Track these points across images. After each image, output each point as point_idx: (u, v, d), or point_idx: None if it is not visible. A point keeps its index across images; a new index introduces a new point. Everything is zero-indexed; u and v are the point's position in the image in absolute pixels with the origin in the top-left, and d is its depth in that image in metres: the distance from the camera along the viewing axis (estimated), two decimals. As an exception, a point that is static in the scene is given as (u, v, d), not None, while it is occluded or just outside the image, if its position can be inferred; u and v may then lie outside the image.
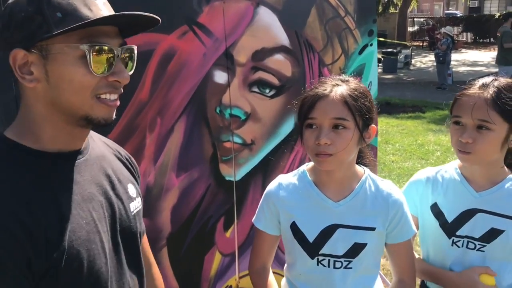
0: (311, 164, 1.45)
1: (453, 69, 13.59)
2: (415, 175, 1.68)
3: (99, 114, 0.94)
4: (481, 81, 1.46)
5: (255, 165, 2.24)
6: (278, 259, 2.03)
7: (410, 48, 19.33)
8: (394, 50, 16.61)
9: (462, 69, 16.06)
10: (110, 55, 0.92)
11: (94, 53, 0.89)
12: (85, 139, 1.03)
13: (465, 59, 19.03)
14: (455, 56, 15.47)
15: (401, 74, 15.40)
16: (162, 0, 1.82)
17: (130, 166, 1.22)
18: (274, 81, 2.19)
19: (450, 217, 1.53)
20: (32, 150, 0.93)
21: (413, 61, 18.46)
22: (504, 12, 16.31)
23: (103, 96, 0.94)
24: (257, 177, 2.27)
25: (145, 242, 1.32)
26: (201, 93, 1.98)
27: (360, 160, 1.46)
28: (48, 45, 0.88)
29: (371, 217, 1.36)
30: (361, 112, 1.29)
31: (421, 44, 25.99)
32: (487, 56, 19.52)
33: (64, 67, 0.89)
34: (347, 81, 1.35)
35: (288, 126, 2.29)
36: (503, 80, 1.44)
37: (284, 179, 1.48)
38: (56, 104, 0.92)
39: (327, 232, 1.36)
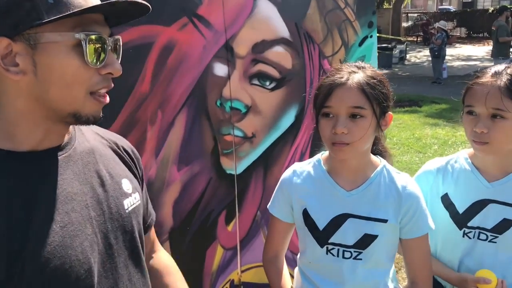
0: (326, 152, 1.44)
1: (448, 64, 13.63)
2: (424, 165, 1.65)
3: (89, 111, 0.88)
4: (493, 69, 1.42)
5: (256, 158, 2.23)
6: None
7: (405, 44, 19.35)
8: (389, 46, 16.63)
9: (456, 63, 16.11)
10: (103, 46, 0.87)
11: (90, 43, 0.83)
12: (64, 135, 0.95)
13: (460, 53, 19.08)
14: (449, 51, 15.50)
15: (396, 69, 15.42)
16: (162, -9, 1.80)
17: (128, 159, 1.14)
18: (275, 73, 2.17)
19: (461, 208, 1.50)
20: (3, 151, 0.84)
21: (408, 56, 18.49)
22: (498, 6, 16.36)
23: (97, 92, 0.89)
24: (258, 170, 2.26)
25: (153, 235, 1.29)
26: (201, 86, 1.97)
27: (374, 148, 1.44)
28: (37, 33, 0.80)
29: (383, 208, 1.34)
30: (378, 100, 1.26)
31: (415, 39, 26.03)
32: (481, 50, 19.59)
33: (56, 58, 0.82)
34: (363, 67, 1.32)
35: (288, 119, 2.27)
36: None
37: (298, 167, 1.47)
38: (42, 99, 0.85)
39: (338, 221, 1.35)
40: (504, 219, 1.45)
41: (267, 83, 2.16)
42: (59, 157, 0.90)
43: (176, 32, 1.86)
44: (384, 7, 25.02)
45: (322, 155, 1.46)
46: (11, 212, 0.80)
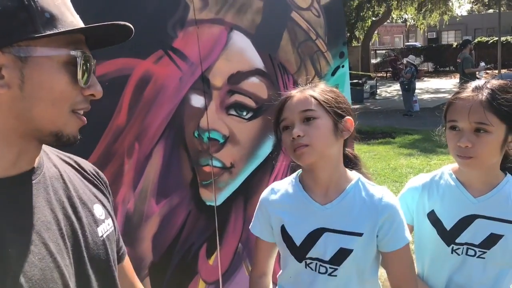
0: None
1: (418, 97, 14.01)
2: (408, 183, 1.64)
3: (70, 131, 0.85)
4: (473, 84, 1.44)
5: (235, 189, 2.22)
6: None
7: (375, 79, 19.89)
8: (359, 81, 17.05)
9: (426, 96, 16.58)
10: (90, 67, 0.85)
11: (83, 61, 0.82)
12: (35, 158, 0.88)
13: (428, 87, 19.68)
14: (418, 85, 15.97)
15: (368, 104, 15.77)
16: (137, 24, 1.81)
17: (98, 182, 1.07)
18: (251, 103, 2.20)
19: (448, 224, 1.48)
20: None
21: (378, 91, 18.96)
22: (461, 41, 17.11)
23: (78, 111, 0.86)
24: (238, 201, 2.25)
25: (127, 265, 1.20)
26: (178, 117, 1.97)
27: (348, 164, 1.46)
28: (29, 46, 0.77)
29: (359, 222, 1.34)
30: (328, 102, 1.32)
31: (385, 75, 26.78)
32: (449, 83, 20.25)
33: (47, 73, 0.79)
34: (315, 85, 1.41)
35: (267, 148, 2.29)
36: (495, 82, 1.42)
37: (276, 185, 1.49)
38: (23, 116, 0.79)
39: (314, 236, 1.35)
40: (492, 233, 1.44)
41: (244, 113, 2.18)
42: (30, 184, 0.85)
43: (152, 64, 1.88)
44: (353, 45, 25.80)
45: (299, 173, 1.48)
46: None
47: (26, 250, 0.78)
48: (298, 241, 1.36)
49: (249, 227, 1.52)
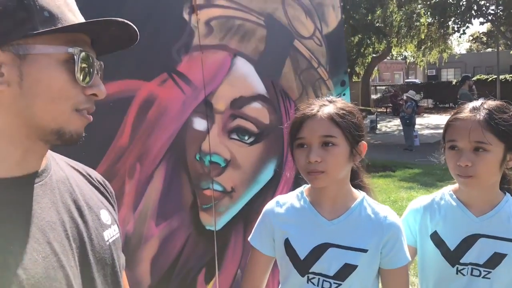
0: (308, 185, 1.46)
1: (418, 132, 14.08)
2: (410, 205, 1.65)
3: (73, 128, 0.84)
4: (470, 105, 1.47)
5: (235, 214, 2.21)
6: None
7: (375, 114, 20.03)
8: (360, 115, 17.12)
9: (426, 132, 16.66)
10: (92, 66, 0.85)
11: (81, 60, 0.82)
12: (42, 158, 0.89)
13: (428, 122, 19.79)
14: (418, 120, 16.08)
15: (368, 138, 15.76)
16: (143, 47, 1.86)
17: (104, 190, 1.08)
18: (253, 128, 2.22)
19: (452, 244, 1.49)
20: None
21: (378, 126, 19.07)
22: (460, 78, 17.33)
23: (81, 111, 0.86)
24: (238, 226, 2.23)
25: (124, 279, 1.17)
26: (180, 139, 1.98)
27: (354, 181, 1.46)
28: (28, 44, 0.78)
29: (364, 238, 1.35)
30: (349, 128, 1.31)
31: (385, 110, 27.00)
32: (448, 119, 20.33)
33: (45, 70, 0.80)
34: (334, 101, 1.39)
35: (268, 173, 2.29)
36: (491, 102, 1.46)
37: (281, 198, 1.49)
38: (24, 114, 0.80)
39: (319, 250, 1.34)
40: (495, 253, 1.44)
41: (246, 137, 2.20)
42: (35, 185, 0.85)
43: (156, 87, 1.90)
44: (354, 80, 26.11)
45: (305, 187, 1.48)
46: None
47: (30, 248, 0.78)
48: (302, 255, 1.36)
49: (248, 238, 1.50)
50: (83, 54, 0.83)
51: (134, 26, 0.88)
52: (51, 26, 0.78)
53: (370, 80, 28.18)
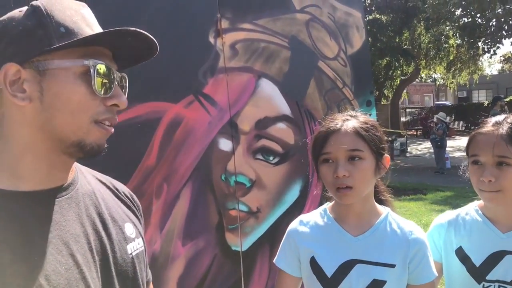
0: (331, 203, 1.45)
1: (449, 155, 13.79)
2: (435, 220, 1.63)
3: (93, 139, 0.86)
4: (493, 119, 1.46)
5: (261, 234, 2.21)
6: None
7: (405, 136, 19.75)
8: (389, 138, 16.96)
9: (457, 154, 16.28)
10: (111, 77, 0.87)
11: (98, 71, 0.84)
12: (68, 172, 0.92)
13: (460, 145, 19.36)
14: (449, 143, 15.75)
15: (398, 161, 15.57)
16: (170, 71, 1.92)
17: (130, 204, 1.10)
18: (278, 148, 2.23)
19: (477, 261, 1.46)
20: (5, 192, 0.81)
21: (409, 149, 18.77)
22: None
23: (101, 122, 0.88)
24: (264, 247, 2.23)
25: None
26: (206, 160, 2.01)
27: (376, 196, 1.45)
28: (46, 60, 0.81)
29: (391, 253, 1.33)
30: (374, 142, 1.31)
31: (415, 133, 26.60)
32: (481, 141, 19.83)
33: (63, 84, 0.82)
34: (356, 115, 1.38)
35: (293, 194, 2.29)
36: None
37: (305, 217, 1.48)
38: (46, 128, 0.83)
39: (346, 267, 1.32)
40: None
41: (271, 158, 2.21)
42: (61, 198, 0.88)
43: (183, 108, 1.95)
44: (382, 103, 25.93)
45: (328, 205, 1.47)
46: (13, 250, 0.77)
47: (53, 259, 0.80)
48: (329, 272, 1.34)
49: (274, 260, 1.49)
50: (99, 65, 0.85)
51: (150, 36, 0.89)
52: (67, 40, 0.81)
53: (399, 102, 27.88)
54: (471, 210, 1.55)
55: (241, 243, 2.14)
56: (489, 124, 1.45)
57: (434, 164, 12.86)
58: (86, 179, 0.99)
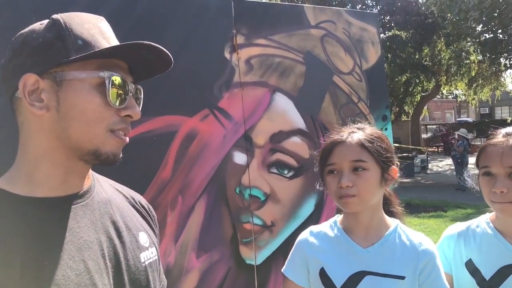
0: (341, 215, 1.46)
1: (471, 172, 13.56)
2: (445, 231, 1.62)
3: (109, 149, 0.89)
4: (503, 130, 1.45)
5: (276, 248, 2.21)
6: None
7: (426, 153, 19.51)
8: (410, 155, 16.78)
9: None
10: (125, 89, 0.90)
11: (112, 82, 0.87)
12: (84, 179, 0.94)
13: (482, 162, 19.01)
14: (471, 160, 15.53)
15: (419, 178, 15.38)
16: (186, 85, 1.95)
17: (145, 214, 1.11)
18: (292, 162, 2.24)
19: (487, 274, 1.44)
20: (22, 197, 0.85)
21: (429, 166, 18.53)
22: (515, 116, 16.67)
23: (116, 131, 0.90)
24: (279, 261, 2.22)
25: None
26: (221, 173, 2.03)
27: (386, 208, 1.44)
28: (64, 71, 0.85)
29: (400, 265, 1.32)
30: (378, 153, 1.31)
31: (436, 149, 26.25)
32: (504, 158, 19.46)
33: (79, 95, 0.85)
34: (363, 128, 1.40)
35: (308, 208, 2.29)
36: None
37: (315, 227, 1.49)
38: (62, 136, 0.86)
39: (355, 279, 1.32)
40: None
41: (285, 171, 2.22)
42: (77, 205, 0.90)
43: (198, 122, 1.98)
44: (403, 119, 25.70)
45: (338, 217, 1.47)
46: (25, 254, 0.79)
47: (64, 264, 0.82)
48: (338, 283, 1.33)
49: (282, 270, 1.49)
50: (114, 77, 0.88)
51: (165, 49, 0.92)
52: (84, 53, 0.85)
53: (420, 119, 27.61)
54: (482, 222, 1.53)
55: (255, 256, 2.14)
56: (499, 135, 1.44)
57: (455, 181, 12.65)
58: (103, 187, 1.01)
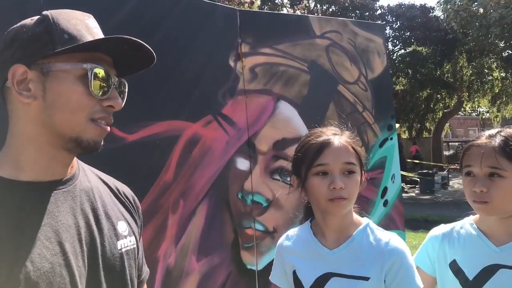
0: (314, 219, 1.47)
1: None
2: (429, 233, 1.62)
3: (89, 136, 0.94)
4: (487, 132, 1.47)
5: (277, 255, 2.22)
6: None
7: (447, 170, 19.21)
8: (430, 171, 16.55)
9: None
10: (108, 81, 0.95)
11: (95, 74, 0.93)
12: (68, 167, 0.99)
13: (505, 180, 18.62)
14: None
15: (439, 195, 15.13)
16: (190, 91, 2.00)
17: (128, 204, 1.15)
18: (295, 169, 2.26)
19: (470, 274, 1.44)
20: (6, 180, 0.90)
21: (451, 183, 18.22)
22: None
23: (97, 120, 0.95)
24: (280, 268, 2.23)
25: None
26: (223, 178, 2.07)
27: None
28: (50, 62, 0.91)
29: (366, 266, 1.31)
30: (360, 157, 1.34)
31: (458, 167, 25.82)
32: (528, 177, 19.02)
33: (64, 85, 0.91)
34: (342, 131, 1.42)
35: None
36: (509, 130, 1.45)
37: (291, 231, 1.51)
38: (47, 123, 0.92)
39: (322, 281, 1.33)
40: None
41: (288, 178, 2.24)
42: (58, 191, 0.94)
43: (201, 128, 2.03)
44: (424, 136, 25.43)
45: (312, 220, 1.48)
46: (2, 231, 0.84)
47: (40, 245, 0.87)
48: (307, 285, 1.35)
49: (269, 277, 1.51)
50: (97, 69, 0.94)
51: (147, 45, 0.98)
52: (69, 45, 0.91)
53: (442, 136, 27.25)
54: (466, 223, 1.53)
55: (256, 262, 2.16)
56: (483, 136, 1.45)
57: (476, 199, 12.42)
58: (87, 177, 1.06)
